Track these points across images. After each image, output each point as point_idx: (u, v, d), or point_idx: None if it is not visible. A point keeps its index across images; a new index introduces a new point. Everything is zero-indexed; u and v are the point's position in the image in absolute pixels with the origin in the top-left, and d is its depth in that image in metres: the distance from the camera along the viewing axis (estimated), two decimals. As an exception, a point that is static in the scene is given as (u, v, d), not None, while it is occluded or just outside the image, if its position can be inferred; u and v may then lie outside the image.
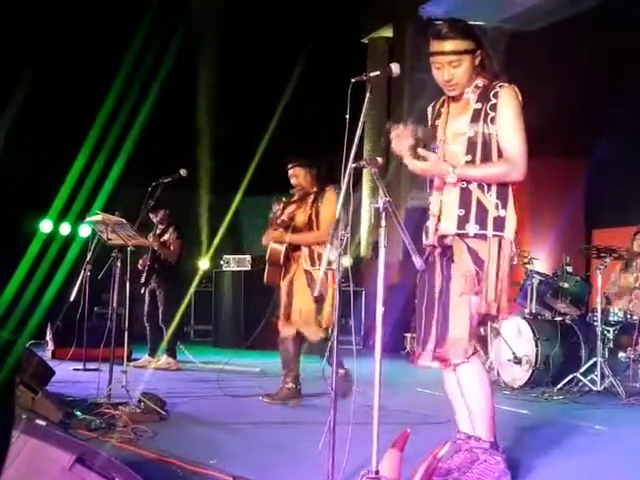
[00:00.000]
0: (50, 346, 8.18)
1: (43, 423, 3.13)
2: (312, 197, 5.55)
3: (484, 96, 3.12)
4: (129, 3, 10.64)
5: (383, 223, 2.88)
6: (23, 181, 9.76)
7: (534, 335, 6.63)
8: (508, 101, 3.08)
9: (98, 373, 5.12)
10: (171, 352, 7.67)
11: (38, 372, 4.63)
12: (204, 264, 10.75)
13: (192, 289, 8.22)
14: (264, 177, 11.93)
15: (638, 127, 8.48)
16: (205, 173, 11.21)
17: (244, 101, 12.23)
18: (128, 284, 5.06)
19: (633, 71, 8.39)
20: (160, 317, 7.64)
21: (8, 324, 6.31)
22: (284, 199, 5.74)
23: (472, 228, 3.08)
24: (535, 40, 10.39)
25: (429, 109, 3.36)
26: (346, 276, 3.26)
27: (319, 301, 5.28)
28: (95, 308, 9.56)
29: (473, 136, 3.10)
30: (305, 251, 5.43)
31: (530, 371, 6.58)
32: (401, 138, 3.07)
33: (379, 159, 3.06)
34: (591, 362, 6.38)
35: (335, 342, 3.00)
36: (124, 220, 5.06)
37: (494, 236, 3.07)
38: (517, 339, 6.74)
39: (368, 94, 2.96)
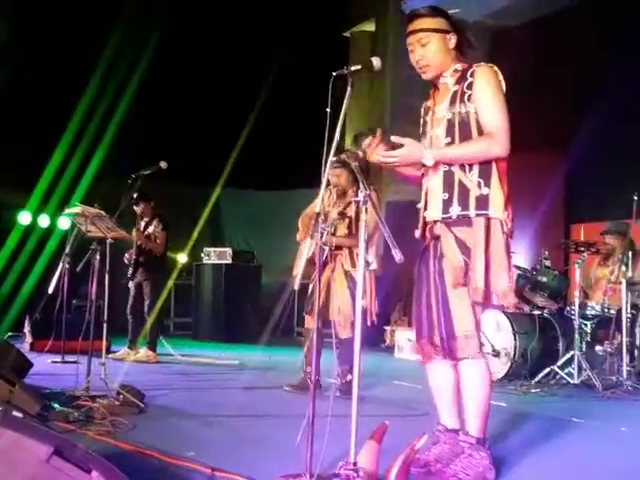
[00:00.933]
0: (28, 338, 8.12)
1: (20, 415, 3.10)
2: (351, 198, 5.54)
3: (461, 78, 3.11)
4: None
5: (363, 217, 2.90)
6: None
7: (512, 329, 6.69)
8: (485, 78, 3.05)
9: (76, 365, 5.09)
10: (152, 345, 7.65)
11: (16, 364, 4.60)
12: (182, 257, 10.71)
13: (171, 282, 8.17)
14: (245, 170, 11.93)
15: (617, 123, 8.55)
16: (185, 165, 11.14)
17: (226, 93, 12.19)
18: (107, 276, 5.03)
19: (612, 67, 8.44)
20: (146, 310, 7.61)
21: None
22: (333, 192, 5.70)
23: (455, 210, 3.04)
24: (517, 35, 10.44)
25: (422, 109, 3.33)
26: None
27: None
28: (74, 300, 9.47)
29: (451, 118, 3.08)
30: (345, 252, 5.49)
31: (508, 364, 6.65)
32: (374, 148, 3.05)
33: (360, 153, 3.07)
34: (568, 355, 6.45)
35: (315, 335, 3.02)
36: (103, 212, 5.03)
37: (477, 215, 3.02)
38: (496, 332, 6.80)
39: (349, 88, 2.95)
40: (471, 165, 3.05)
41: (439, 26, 3.10)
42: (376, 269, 5.51)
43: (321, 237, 3.00)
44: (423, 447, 2.96)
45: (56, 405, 4.10)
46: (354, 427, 2.72)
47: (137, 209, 7.47)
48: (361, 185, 2.90)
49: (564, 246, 7.56)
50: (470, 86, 3.06)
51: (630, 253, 6.46)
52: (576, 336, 6.36)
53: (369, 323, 5.37)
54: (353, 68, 2.96)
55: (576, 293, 6.51)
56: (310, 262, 5.56)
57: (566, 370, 6.38)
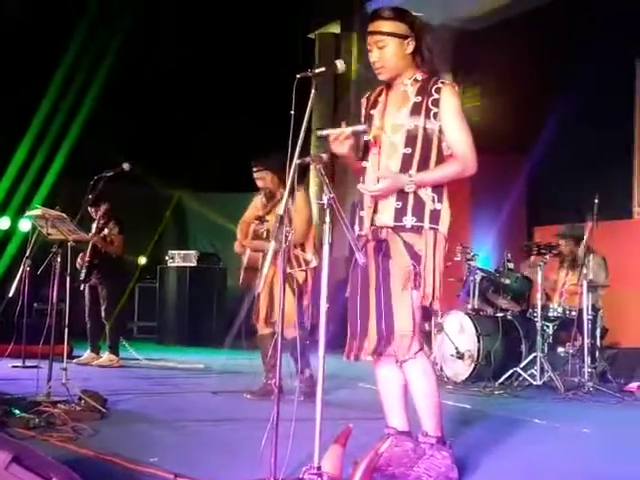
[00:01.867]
0: (-12, 343, 7.98)
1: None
2: (279, 199, 5.47)
3: (424, 90, 3.14)
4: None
5: (327, 219, 2.89)
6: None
7: (476, 331, 6.74)
8: (451, 99, 3.13)
9: (37, 370, 5.00)
10: (113, 349, 7.57)
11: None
12: (142, 260, 10.62)
13: (131, 284, 8.09)
14: (210, 172, 11.89)
15: (577, 126, 8.67)
16: (150, 167, 11.07)
17: (190, 95, 12.12)
18: (68, 279, 4.96)
19: (573, 70, 8.57)
20: (103, 314, 7.52)
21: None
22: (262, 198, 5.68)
23: (409, 220, 3.09)
24: (481, 38, 10.53)
25: (363, 100, 3.37)
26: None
27: (298, 300, 5.34)
28: (35, 304, 9.35)
29: (413, 129, 3.12)
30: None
31: (472, 366, 6.69)
32: (339, 140, 3.07)
33: (324, 155, 3.06)
34: (531, 357, 6.51)
35: (279, 338, 3.00)
36: (64, 215, 4.96)
37: (430, 229, 3.10)
38: (460, 335, 6.84)
39: (313, 90, 2.95)
40: None
41: (398, 30, 3.13)
42: (317, 266, 5.43)
43: (286, 240, 2.99)
44: (387, 450, 2.96)
45: (16, 411, 4.02)
46: (318, 431, 2.71)
47: (93, 211, 7.36)
48: (325, 188, 2.89)
49: (527, 249, 7.63)
50: (435, 103, 3.11)
51: (591, 256, 6.54)
52: (538, 338, 6.43)
53: (307, 325, 5.34)
54: (317, 70, 2.96)
55: (538, 295, 6.58)
56: (251, 269, 5.55)
57: (529, 372, 6.44)
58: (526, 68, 9.31)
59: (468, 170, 3.14)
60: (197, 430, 4.22)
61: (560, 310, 6.73)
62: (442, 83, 3.14)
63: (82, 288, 7.51)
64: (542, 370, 6.35)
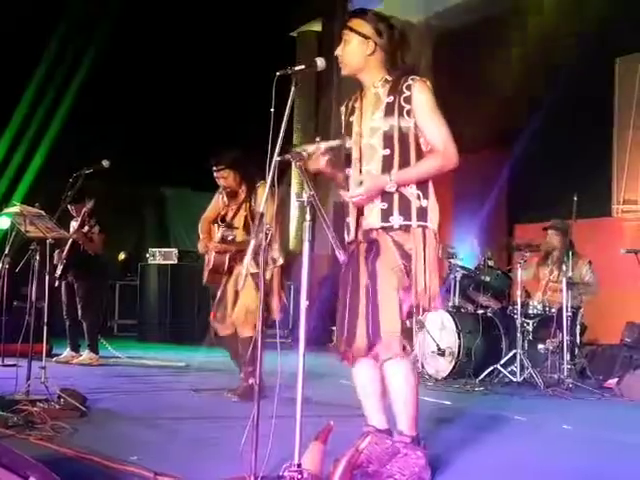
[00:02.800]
0: (-34, 341, 7.90)
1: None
2: (243, 197, 5.44)
3: (395, 89, 3.15)
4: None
5: (308, 217, 2.88)
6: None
7: (457, 328, 6.77)
8: (424, 94, 3.12)
9: (16, 369, 4.95)
10: (92, 347, 7.53)
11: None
12: (122, 255, 10.57)
13: (111, 282, 8.01)
14: (191, 170, 11.82)
15: (557, 125, 8.73)
16: (130, 165, 11.01)
17: (172, 93, 12.07)
18: (47, 277, 4.92)
19: (552, 68, 8.62)
20: (80, 312, 7.47)
21: None
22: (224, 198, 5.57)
23: (396, 220, 3.09)
24: (462, 36, 10.56)
25: (342, 108, 3.39)
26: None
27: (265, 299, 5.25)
28: (14, 302, 9.27)
29: (388, 130, 3.12)
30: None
31: (453, 363, 6.72)
32: (316, 158, 3.08)
33: (304, 153, 3.06)
34: (511, 354, 6.54)
35: (259, 336, 2.99)
36: (43, 212, 4.92)
37: (418, 226, 3.09)
38: (441, 332, 6.87)
39: (293, 88, 2.95)
40: None
41: (359, 29, 3.18)
42: (283, 264, 5.40)
43: (266, 238, 2.98)
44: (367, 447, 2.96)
45: (-6, 410, 4.00)
46: (298, 428, 2.70)
47: (71, 208, 7.31)
48: (305, 186, 2.88)
49: (507, 246, 7.68)
50: (408, 100, 3.11)
51: (570, 253, 6.58)
52: (518, 335, 6.47)
53: (276, 318, 5.25)
54: (297, 68, 2.96)
55: (518, 292, 6.62)
56: (216, 271, 5.45)
57: (509, 368, 6.47)
58: (507, 66, 9.34)
59: (449, 163, 3.12)
60: (178, 428, 4.20)
61: (540, 307, 6.78)
62: (412, 80, 3.13)
63: (57, 285, 7.43)
64: (522, 367, 6.38)
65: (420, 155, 3.14)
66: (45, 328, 5.04)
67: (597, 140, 8.89)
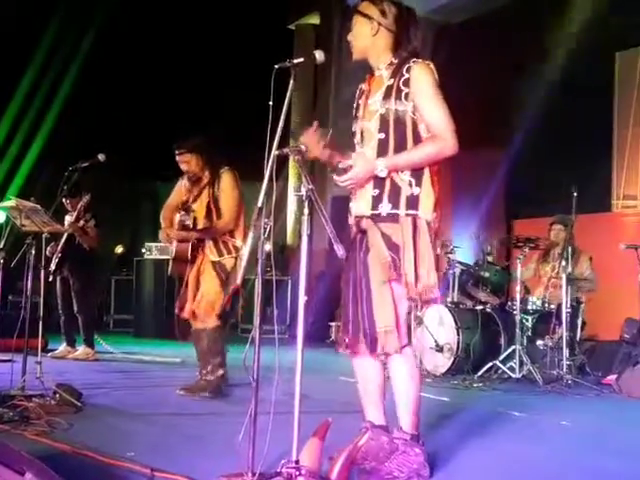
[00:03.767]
0: (-39, 336, 7.86)
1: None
2: (205, 183, 5.28)
3: (397, 72, 3.09)
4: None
5: (306, 211, 2.85)
6: None
7: (456, 323, 6.74)
8: (423, 76, 3.03)
9: (11, 364, 4.92)
10: (88, 342, 7.50)
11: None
12: (119, 249, 10.53)
13: (106, 277, 7.97)
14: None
15: (556, 120, 8.69)
16: (127, 158, 10.97)
17: (168, 86, 12.03)
18: (43, 272, 4.88)
19: (551, 64, 8.60)
20: (75, 307, 7.43)
21: None
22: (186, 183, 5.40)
23: (385, 207, 3.03)
24: (461, 32, 10.53)
25: (358, 91, 3.33)
26: (270, 264, 3.20)
27: (224, 288, 5.13)
28: (9, 297, 9.25)
29: (385, 113, 3.07)
30: (210, 242, 5.18)
31: (451, 359, 6.70)
32: (312, 142, 3.04)
33: (303, 147, 3.02)
34: (510, 350, 6.52)
35: (257, 331, 2.95)
36: (39, 206, 4.88)
37: (407, 215, 3.00)
38: (439, 327, 6.85)
39: (292, 81, 2.92)
40: None
41: (368, 12, 3.15)
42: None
43: (265, 231, 2.94)
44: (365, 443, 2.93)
45: (-11, 405, 3.97)
46: (296, 424, 2.68)
47: (66, 202, 7.27)
48: (303, 180, 2.85)
49: (506, 242, 7.65)
50: (406, 83, 3.04)
51: (570, 249, 6.56)
52: (517, 331, 6.44)
53: (238, 315, 5.26)
54: (295, 61, 2.93)
55: (517, 288, 6.60)
56: (180, 260, 5.23)
57: (508, 364, 6.45)
58: (506, 61, 9.32)
59: (448, 149, 2.99)
60: (174, 424, 4.17)
61: (539, 303, 6.76)
62: (414, 62, 3.06)
63: (50, 280, 7.36)
64: (521, 363, 6.36)
65: (418, 141, 3.05)
66: (40, 323, 5.00)
67: (597, 135, 8.87)
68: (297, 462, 2.68)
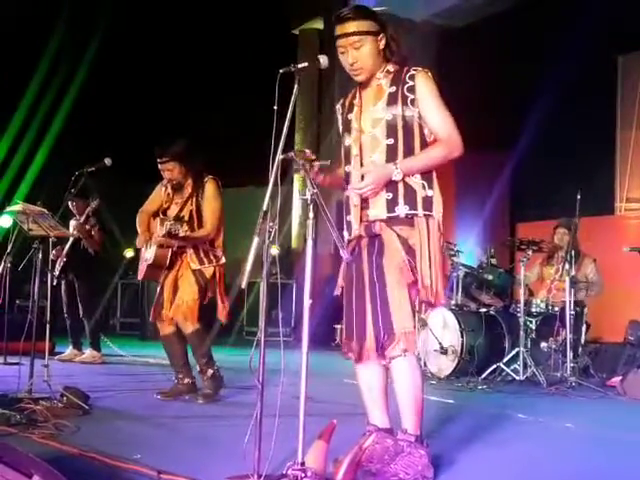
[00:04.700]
0: (-31, 340, 7.90)
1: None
2: (189, 192, 5.22)
3: (397, 79, 3.14)
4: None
5: (311, 215, 2.88)
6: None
7: (459, 326, 6.76)
8: (427, 84, 3.12)
9: (19, 367, 4.96)
10: (94, 345, 7.53)
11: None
12: (130, 253, 10.54)
13: (113, 281, 7.98)
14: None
15: (559, 123, 8.71)
16: (132, 163, 11.01)
17: (173, 91, 12.06)
18: (50, 276, 4.91)
19: (554, 67, 8.61)
20: (81, 310, 7.47)
21: None
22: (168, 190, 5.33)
23: (402, 209, 3.07)
24: (464, 35, 10.56)
25: (338, 106, 3.37)
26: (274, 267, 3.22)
27: (202, 295, 5.12)
28: (17, 300, 9.28)
29: (391, 119, 3.11)
30: (191, 250, 5.14)
31: (456, 361, 6.71)
32: (316, 178, 3.05)
33: (307, 151, 3.05)
34: (514, 352, 6.54)
35: (263, 334, 2.98)
36: (45, 210, 4.91)
37: (424, 216, 3.07)
38: (443, 330, 6.86)
39: (296, 85, 2.94)
40: None
41: (371, 28, 3.13)
42: (225, 263, 5.21)
43: (269, 236, 2.97)
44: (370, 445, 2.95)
45: (-3, 408, 3.99)
46: (301, 427, 2.70)
47: (72, 206, 7.30)
48: (308, 184, 2.88)
49: (509, 244, 7.66)
50: (412, 90, 3.10)
51: (573, 252, 6.57)
52: (521, 333, 6.46)
53: (223, 320, 5.19)
54: (300, 66, 2.95)
55: (521, 291, 6.61)
56: (157, 266, 5.14)
57: (512, 367, 6.47)
58: (509, 65, 9.34)
59: (454, 151, 3.10)
60: (181, 427, 4.20)
61: (543, 305, 6.77)
62: (415, 70, 3.13)
63: (55, 284, 7.40)
64: (525, 365, 6.38)
65: (424, 145, 3.13)
66: (48, 326, 5.04)
67: (600, 138, 8.89)
68: (303, 464, 2.70)
